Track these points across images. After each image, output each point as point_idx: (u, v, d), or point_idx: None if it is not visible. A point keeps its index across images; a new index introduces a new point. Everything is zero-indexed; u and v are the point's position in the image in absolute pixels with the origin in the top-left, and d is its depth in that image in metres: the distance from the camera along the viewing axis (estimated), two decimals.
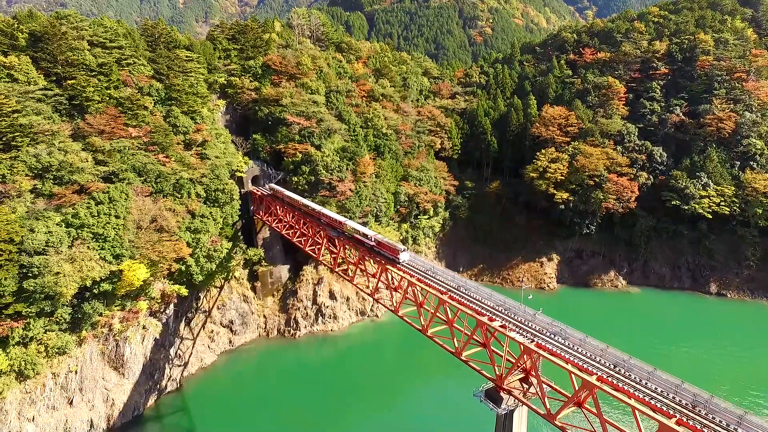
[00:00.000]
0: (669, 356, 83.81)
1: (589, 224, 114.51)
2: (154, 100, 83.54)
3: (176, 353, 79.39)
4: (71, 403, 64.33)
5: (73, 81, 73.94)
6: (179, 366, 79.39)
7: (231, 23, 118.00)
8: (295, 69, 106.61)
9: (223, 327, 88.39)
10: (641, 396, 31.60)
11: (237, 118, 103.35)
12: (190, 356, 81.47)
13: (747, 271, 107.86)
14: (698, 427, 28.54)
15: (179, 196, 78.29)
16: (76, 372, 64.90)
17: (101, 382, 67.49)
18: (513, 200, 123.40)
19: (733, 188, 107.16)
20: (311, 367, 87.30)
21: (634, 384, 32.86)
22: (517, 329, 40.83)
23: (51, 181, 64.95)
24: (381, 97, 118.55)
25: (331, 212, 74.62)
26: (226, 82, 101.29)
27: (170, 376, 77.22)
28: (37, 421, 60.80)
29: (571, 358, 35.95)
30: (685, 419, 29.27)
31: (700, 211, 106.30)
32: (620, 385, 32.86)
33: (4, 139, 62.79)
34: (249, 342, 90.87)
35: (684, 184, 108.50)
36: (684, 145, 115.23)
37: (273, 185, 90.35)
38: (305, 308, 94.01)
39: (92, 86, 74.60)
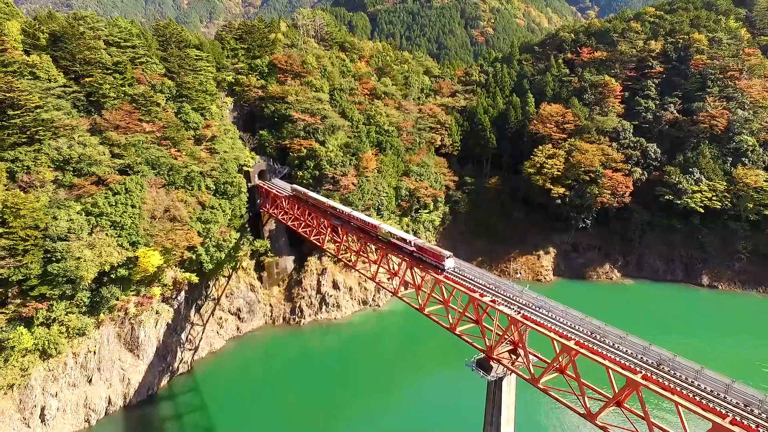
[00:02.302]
0: (662, 345, 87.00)
1: (585, 218, 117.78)
2: (166, 97, 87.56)
3: (187, 338, 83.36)
4: (90, 381, 68.39)
5: (90, 78, 78.09)
6: (190, 350, 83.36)
7: (238, 23, 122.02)
8: (300, 68, 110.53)
9: (231, 314, 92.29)
10: (613, 357, 35.29)
11: (244, 114, 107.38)
12: (200, 341, 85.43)
13: (738, 263, 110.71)
14: (661, 381, 32.18)
15: (190, 188, 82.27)
16: (94, 352, 68.96)
17: (118, 363, 71.52)
18: (512, 195, 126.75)
19: (725, 183, 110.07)
20: (315, 354, 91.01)
21: (608, 347, 36.54)
22: (506, 303, 44.55)
23: (71, 172, 69.06)
24: (383, 95, 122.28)
25: (362, 215, 69.73)
26: (233, 80, 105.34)
27: (182, 359, 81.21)
28: (60, 396, 64.91)
29: (554, 327, 39.61)
30: (650, 374, 32.95)
31: (693, 205, 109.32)
32: (596, 348, 36.53)
33: (28, 132, 66.91)
34: (256, 329, 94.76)
35: (677, 179, 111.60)
36: (678, 141, 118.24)
37: (295, 186, 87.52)
38: (309, 297, 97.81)
39: (108, 83, 78.72)
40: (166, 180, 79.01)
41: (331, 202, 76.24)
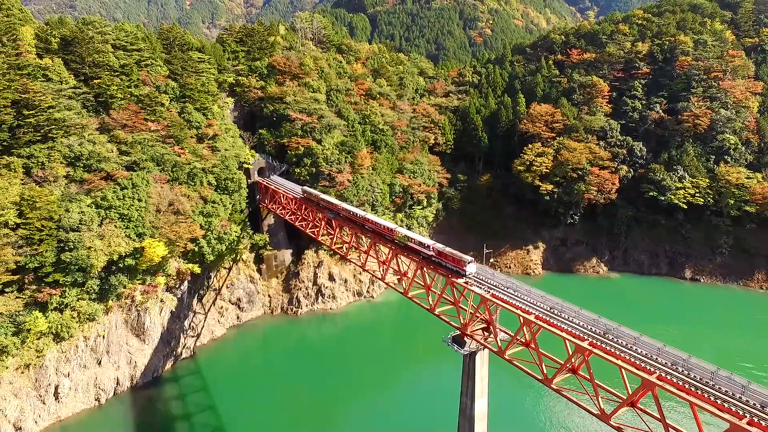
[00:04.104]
0: (645, 334, 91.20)
1: (573, 214, 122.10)
2: (170, 97, 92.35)
3: (190, 325, 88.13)
4: (100, 363, 73.23)
5: (99, 80, 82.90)
6: (192, 336, 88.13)
7: (239, 27, 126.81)
8: (298, 69, 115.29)
9: (232, 304, 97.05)
10: (567, 328, 39.78)
11: (244, 114, 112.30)
12: (202, 328, 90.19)
13: (720, 258, 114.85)
14: (605, 346, 36.70)
15: (193, 183, 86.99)
16: (103, 336, 73.79)
17: (125, 347, 76.33)
18: (503, 192, 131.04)
19: (708, 180, 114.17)
20: (311, 342, 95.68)
21: (564, 320, 41.04)
22: (478, 284, 49.06)
23: (82, 168, 73.93)
24: (378, 96, 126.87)
25: (377, 218, 67.29)
26: (234, 81, 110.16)
27: (185, 345, 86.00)
28: (72, 377, 69.75)
29: (519, 304, 44.17)
30: (596, 341, 37.50)
31: (676, 201, 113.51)
32: (553, 321, 41.05)
33: (42, 131, 71.68)
34: (255, 318, 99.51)
35: (661, 176, 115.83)
36: (663, 140, 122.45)
37: (306, 188, 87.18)
38: (306, 288, 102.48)
39: (116, 85, 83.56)
40: (170, 176, 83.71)
41: (345, 206, 73.76)
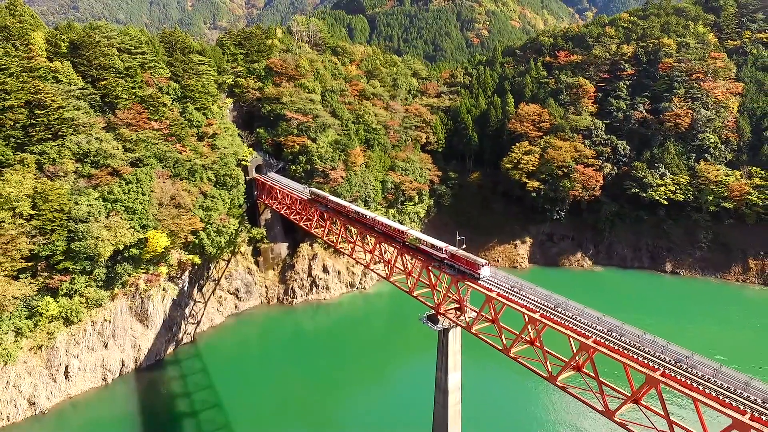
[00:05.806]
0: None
1: (559, 210, 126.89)
2: (171, 98, 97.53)
3: (190, 312, 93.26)
4: (106, 346, 78.40)
5: (105, 82, 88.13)
6: (193, 324, 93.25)
7: (238, 30, 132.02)
8: (294, 71, 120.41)
9: (230, 294, 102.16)
10: (523, 302, 44.82)
11: (243, 114, 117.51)
12: (201, 316, 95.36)
13: (699, 252, 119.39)
14: (554, 318, 41.77)
15: (193, 179, 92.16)
16: (109, 321, 78.95)
17: (130, 331, 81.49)
18: (492, 189, 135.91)
19: (688, 178, 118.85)
20: (306, 330, 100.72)
21: (522, 297, 46.09)
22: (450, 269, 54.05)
23: (89, 164, 79.11)
24: (372, 96, 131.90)
25: (387, 220, 66.20)
26: (233, 82, 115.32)
27: (185, 331, 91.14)
28: (80, 358, 74.95)
29: (484, 284, 49.17)
30: (546, 313, 42.50)
31: (657, 198, 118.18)
32: (512, 297, 46.09)
33: (52, 129, 76.94)
34: (252, 308, 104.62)
35: (644, 174, 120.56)
36: (646, 139, 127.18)
37: (314, 189, 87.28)
38: (301, 280, 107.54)
39: (121, 86, 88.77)
40: (172, 172, 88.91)
41: (354, 207, 71.91)
